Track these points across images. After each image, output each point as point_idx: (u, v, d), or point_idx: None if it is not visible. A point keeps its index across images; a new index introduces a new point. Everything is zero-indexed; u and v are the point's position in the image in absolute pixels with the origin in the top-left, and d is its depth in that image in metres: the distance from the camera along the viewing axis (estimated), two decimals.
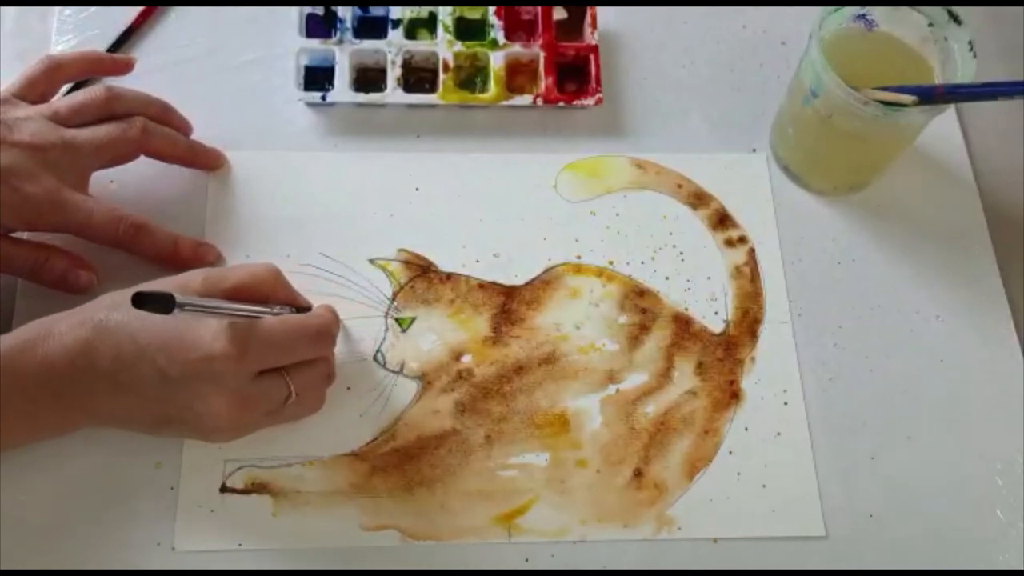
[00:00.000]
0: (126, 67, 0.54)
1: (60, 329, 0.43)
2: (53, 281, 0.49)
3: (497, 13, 0.59)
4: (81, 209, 0.48)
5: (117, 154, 0.51)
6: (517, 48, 0.59)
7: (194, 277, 0.45)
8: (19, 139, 0.47)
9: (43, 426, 0.45)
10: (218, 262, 0.53)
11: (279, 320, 0.45)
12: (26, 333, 0.43)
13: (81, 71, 0.53)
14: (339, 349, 0.51)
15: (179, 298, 0.39)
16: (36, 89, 0.50)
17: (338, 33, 0.58)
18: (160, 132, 0.52)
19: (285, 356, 0.45)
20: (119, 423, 0.45)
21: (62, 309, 0.47)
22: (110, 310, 0.43)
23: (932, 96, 0.50)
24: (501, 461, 0.50)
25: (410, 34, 0.59)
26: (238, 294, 0.45)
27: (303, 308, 0.49)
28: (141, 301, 0.39)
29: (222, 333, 0.42)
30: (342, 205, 0.55)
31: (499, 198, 0.56)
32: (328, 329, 0.47)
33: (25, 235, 0.50)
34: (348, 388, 0.51)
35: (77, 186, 0.49)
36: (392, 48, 0.58)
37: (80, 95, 0.50)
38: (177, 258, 0.51)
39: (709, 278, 0.55)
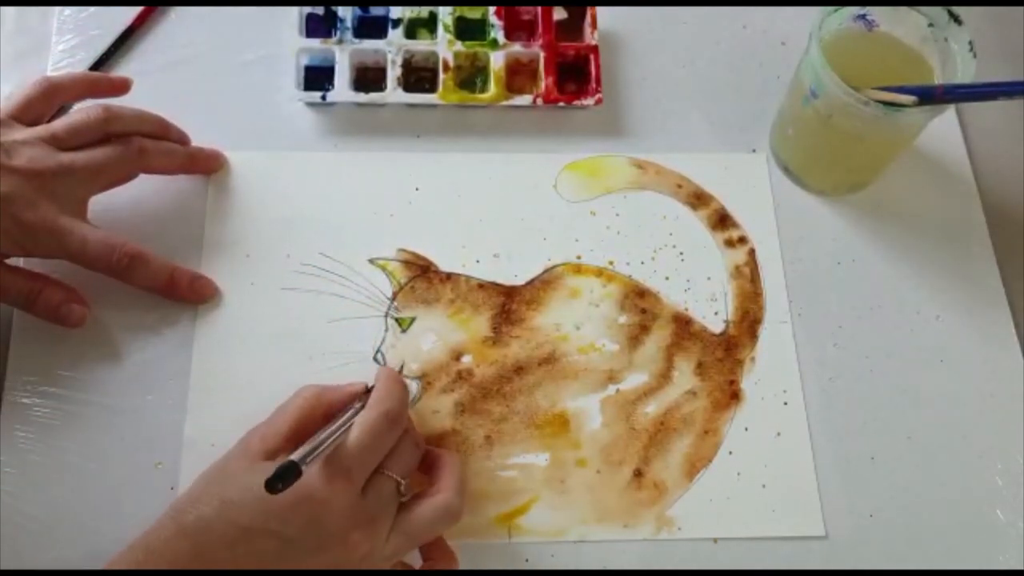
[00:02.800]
0: (123, 87, 0.53)
1: (157, 546, 0.40)
2: (46, 313, 0.49)
3: (497, 13, 0.59)
4: (77, 237, 0.48)
5: (115, 177, 0.51)
6: (517, 48, 0.59)
7: (252, 440, 0.43)
8: (17, 165, 0.47)
9: None
10: (214, 297, 0.52)
11: (357, 427, 0.43)
12: (128, 560, 0.40)
13: (78, 92, 0.52)
14: (340, 349, 0.51)
15: (300, 458, 0.39)
16: (33, 111, 0.50)
17: (338, 33, 0.58)
18: (158, 150, 0.52)
19: (377, 456, 0.43)
20: None
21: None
22: (192, 506, 0.41)
23: (932, 96, 0.50)
24: (501, 461, 0.50)
25: (410, 34, 0.59)
26: (301, 432, 0.43)
27: (364, 393, 0.46)
28: (275, 485, 0.38)
29: (318, 472, 0.41)
30: (342, 205, 0.55)
31: (499, 198, 0.56)
32: (398, 407, 0.44)
33: (21, 261, 0.50)
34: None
35: (76, 212, 0.49)
36: (392, 48, 0.58)
37: (77, 116, 0.50)
38: (173, 290, 0.51)
39: (709, 278, 0.55)
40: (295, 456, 0.39)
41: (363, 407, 0.44)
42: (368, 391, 0.46)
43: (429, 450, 0.48)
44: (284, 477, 0.38)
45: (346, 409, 0.45)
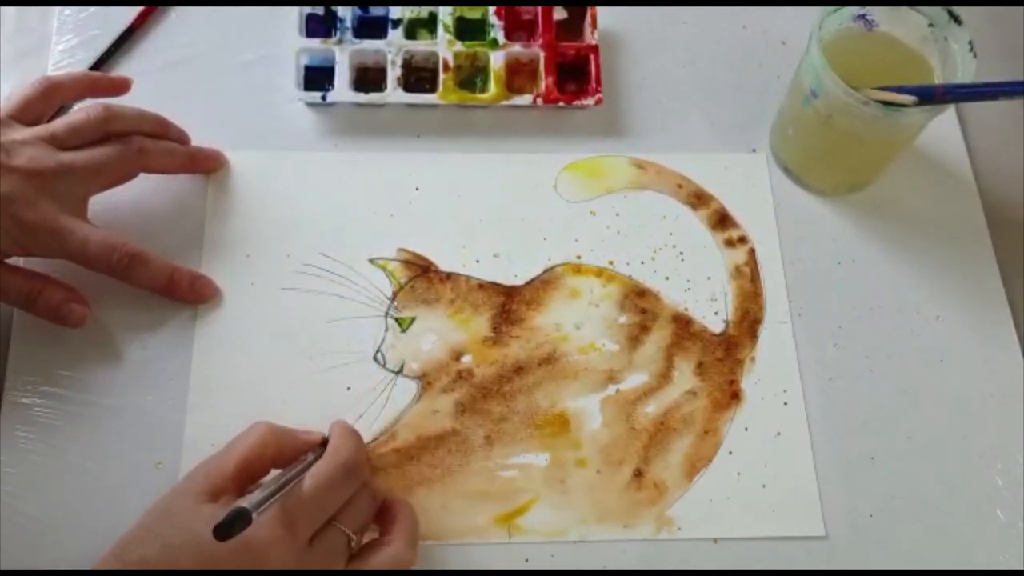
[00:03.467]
0: (123, 87, 0.53)
1: None
2: (46, 313, 0.49)
3: (497, 13, 0.59)
4: (77, 237, 0.48)
5: (115, 177, 0.51)
6: (517, 48, 0.59)
7: (196, 477, 0.42)
8: (17, 164, 0.47)
9: None
10: (214, 297, 0.52)
11: (310, 477, 0.42)
12: None
13: (78, 92, 0.52)
14: (340, 349, 0.51)
15: (251, 506, 0.37)
16: (33, 111, 0.50)
17: (338, 33, 0.58)
18: (158, 149, 0.52)
19: (329, 508, 0.42)
20: None
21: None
22: (137, 546, 0.40)
23: (932, 96, 0.50)
24: (501, 461, 0.50)
25: (410, 34, 0.59)
26: (248, 471, 0.42)
27: (320, 444, 0.45)
28: (225, 533, 0.37)
29: (262, 524, 0.39)
30: (342, 205, 0.55)
31: (499, 198, 0.56)
32: (355, 460, 0.44)
33: (21, 260, 0.50)
34: (348, 388, 0.51)
35: (76, 211, 0.49)
36: (392, 48, 0.58)
37: (77, 115, 0.50)
38: (173, 290, 0.51)
39: (709, 278, 0.55)
40: (247, 503, 0.37)
41: (318, 458, 0.43)
42: (324, 443, 0.45)
43: (383, 499, 0.47)
44: (233, 525, 0.37)
45: (301, 459, 0.43)
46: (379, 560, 0.43)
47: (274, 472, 0.44)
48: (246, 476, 0.42)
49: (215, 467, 0.43)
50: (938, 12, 0.51)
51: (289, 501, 0.41)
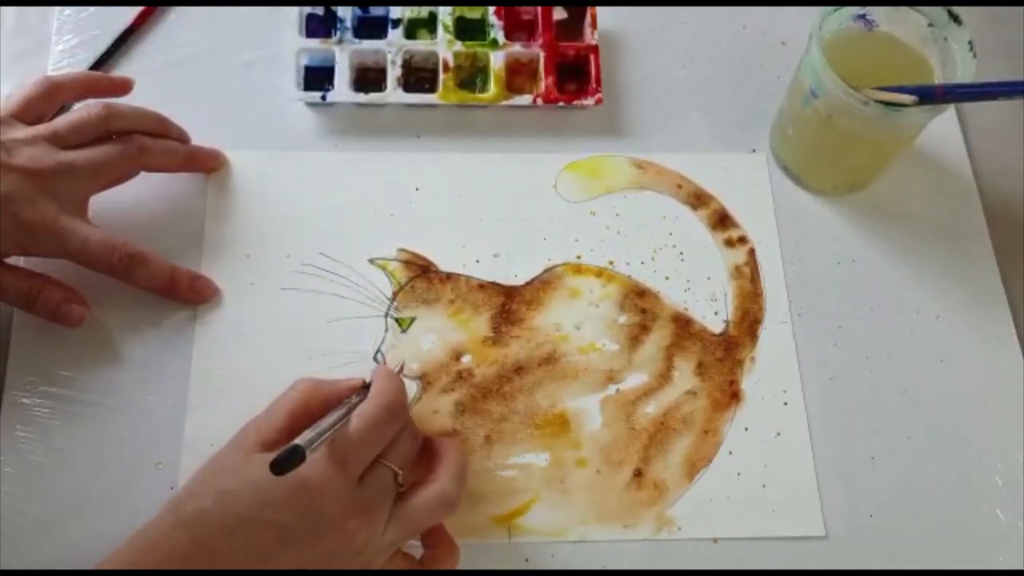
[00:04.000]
0: (124, 87, 0.53)
1: (156, 537, 0.40)
2: (46, 313, 0.49)
3: (497, 13, 0.59)
4: (77, 236, 0.48)
5: (116, 176, 0.51)
6: (517, 48, 0.59)
7: (247, 432, 0.43)
8: (18, 163, 0.47)
9: None
10: (214, 297, 0.52)
11: (356, 417, 0.43)
12: (123, 556, 0.40)
13: (79, 92, 0.52)
14: (340, 349, 0.51)
15: (305, 443, 0.39)
16: (34, 110, 0.50)
17: (338, 33, 0.58)
18: (158, 148, 0.52)
19: (376, 446, 0.43)
20: None
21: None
22: (190, 499, 0.41)
23: (932, 96, 0.50)
24: (501, 461, 0.50)
25: (410, 34, 0.59)
26: (294, 426, 0.43)
27: (362, 388, 0.46)
28: (281, 467, 0.38)
29: (314, 463, 0.40)
30: (342, 205, 0.55)
31: (499, 198, 0.56)
32: (398, 400, 0.44)
33: (21, 260, 0.50)
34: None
35: (76, 210, 0.49)
36: (392, 48, 0.58)
37: (78, 114, 0.50)
38: (173, 290, 0.51)
39: (709, 278, 0.55)
40: (300, 441, 0.39)
41: (361, 400, 0.44)
42: (366, 387, 0.46)
43: (429, 439, 0.48)
44: (289, 460, 0.38)
45: (345, 401, 0.44)
46: (427, 496, 0.44)
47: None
48: (295, 427, 0.43)
49: (264, 422, 0.43)
50: (938, 12, 0.51)
51: (338, 440, 0.42)
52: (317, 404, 0.44)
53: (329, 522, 0.41)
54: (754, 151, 0.59)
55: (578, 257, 0.55)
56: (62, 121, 0.49)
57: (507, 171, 0.57)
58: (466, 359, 0.52)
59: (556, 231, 0.56)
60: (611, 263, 0.55)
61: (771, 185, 0.58)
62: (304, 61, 0.58)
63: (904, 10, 0.53)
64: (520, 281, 0.54)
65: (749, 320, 0.54)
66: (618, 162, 0.58)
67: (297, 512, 0.40)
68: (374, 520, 0.42)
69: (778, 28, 0.62)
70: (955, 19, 0.51)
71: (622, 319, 0.54)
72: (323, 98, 0.57)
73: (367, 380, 0.46)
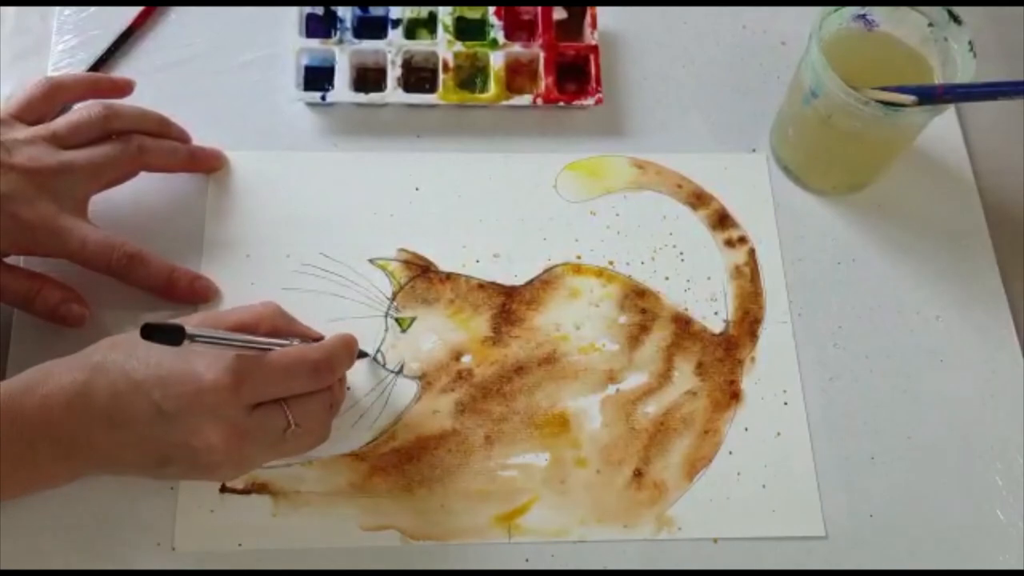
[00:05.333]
0: (126, 88, 0.53)
1: (58, 372, 0.42)
2: (45, 313, 0.49)
3: (497, 13, 0.59)
4: (76, 236, 0.48)
5: (116, 176, 0.51)
6: (517, 48, 0.59)
7: (190, 319, 0.44)
8: (17, 163, 0.46)
9: (44, 474, 0.43)
10: (215, 298, 0.52)
11: (277, 352, 0.43)
12: (25, 378, 0.42)
13: (81, 93, 0.52)
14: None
15: (190, 329, 0.39)
16: (35, 111, 0.50)
17: (338, 33, 0.58)
18: (158, 148, 0.52)
19: (281, 388, 0.43)
20: (120, 467, 0.44)
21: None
22: (108, 351, 0.42)
23: (932, 96, 0.50)
24: (501, 461, 0.50)
25: (410, 34, 0.59)
26: (237, 332, 0.44)
27: (313, 340, 0.47)
28: (150, 332, 0.38)
29: (216, 364, 0.41)
30: (342, 205, 0.55)
31: (499, 198, 0.56)
32: (329, 362, 0.44)
33: (21, 260, 0.50)
34: (348, 388, 0.51)
35: (76, 210, 0.49)
36: (392, 48, 0.58)
37: (78, 114, 0.50)
38: (172, 291, 0.51)
39: (709, 278, 0.55)
40: (189, 327, 0.39)
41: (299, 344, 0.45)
42: (314, 340, 0.47)
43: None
44: (161, 332, 0.38)
45: (279, 339, 0.45)
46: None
47: None
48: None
49: (212, 318, 0.45)
50: (938, 12, 0.51)
51: (248, 360, 0.42)
52: (267, 328, 0.45)
53: (200, 431, 0.41)
54: (754, 151, 0.59)
55: (578, 257, 0.55)
56: (62, 121, 0.49)
57: (507, 171, 0.57)
58: (466, 359, 0.52)
59: (556, 231, 0.56)
60: (611, 263, 0.55)
61: (771, 185, 0.58)
62: (304, 61, 0.58)
63: (904, 10, 0.53)
64: (520, 281, 0.54)
65: (749, 320, 0.54)
66: (618, 162, 0.58)
67: (179, 403, 0.41)
68: (241, 450, 0.43)
69: (778, 28, 0.62)
70: (955, 19, 0.51)
71: (622, 319, 0.54)
72: (323, 98, 0.57)
73: (326, 336, 0.47)
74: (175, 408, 0.41)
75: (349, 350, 0.46)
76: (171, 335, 0.38)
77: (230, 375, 0.41)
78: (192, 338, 0.39)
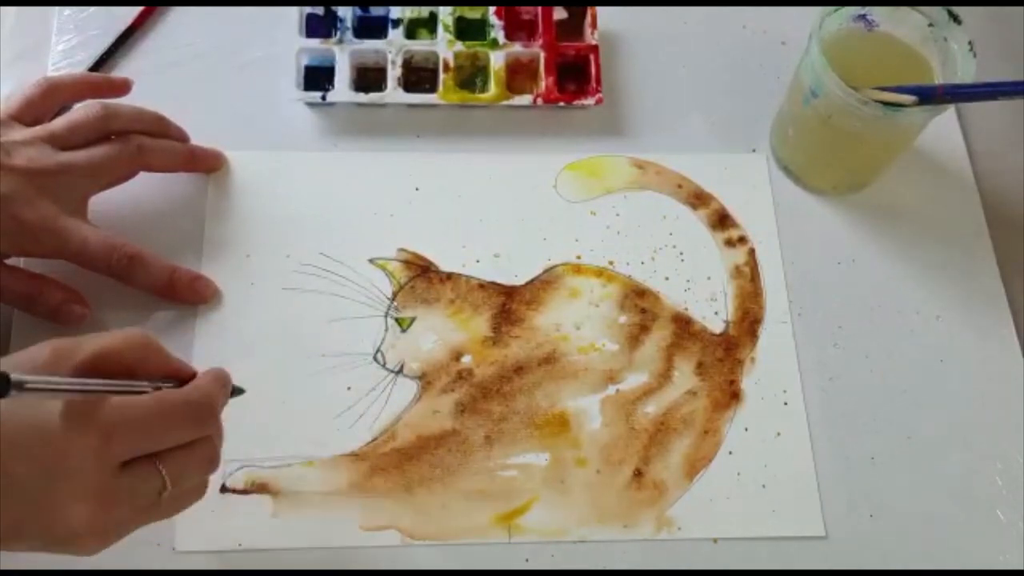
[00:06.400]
0: (123, 88, 0.53)
1: None
2: (46, 313, 0.49)
3: (497, 13, 0.59)
4: (77, 237, 0.48)
5: (115, 176, 0.51)
6: (517, 48, 0.59)
7: (42, 350, 0.37)
8: (17, 164, 0.46)
9: None
10: (215, 298, 0.52)
11: (151, 397, 0.37)
12: None
13: (79, 93, 0.52)
14: (340, 349, 0.51)
15: (16, 376, 0.32)
16: (33, 111, 0.50)
17: (338, 33, 0.58)
18: (157, 148, 0.52)
19: (157, 440, 0.37)
20: None
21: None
22: None
23: (932, 96, 0.50)
24: (501, 461, 0.50)
25: (410, 34, 0.59)
26: (98, 366, 0.37)
27: (185, 379, 0.40)
28: None
29: (76, 417, 0.35)
30: (342, 205, 0.55)
31: (499, 198, 0.56)
32: (209, 405, 0.39)
33: (21, 261, 0.50)
34: (348, 388, 0.51)
35: (76, 211, 0.49)
36: (392, 48, 0.58)
37: (76, 114, 0.50)
38: (172, 291, 0.51)
39: (709, 278, 0.55)
40: (17, 374, 0.32)
41: (162, 388, 0.39)
42: (185, 380, 0.40)
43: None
44: None
45: (144, 378, 0.38)
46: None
47: None
48: (92, 370, 0.37)
49: (67, 347, 0.37)
50: (938, 12, 0.51)
51: (116, 409, 0.36)
52: (132, 360, 0.38)
53: (54, 499, 0.35)
54: (754, 151, 0.59)
55: (578, 257, 0.55)
56: (61, 122, 0.49)
57: (507, 171, 0.57)
58: (466, 359, 0.52)
59: (556, 231, 0.56)
60: (611, 263, 0.55)
61: (771, 185, 0.58)
62: (304, 61, 0.58)
63: (904, 10, 0.53)
64: (520, 281, 0.54)
65: (749, 320, 0.54)
66: (618, 162, 0.58)
67: (30, 468, 0.34)
68: (106, 521, 0.36)
69: (778, 28, 0.62)
70: (955, 19, 0.51)
71: (622, 319, 0.54)
72: (323, 98, 0.57)
73: (199, 373, 0.41)
74: (25, 474, 0.34)
75: (223, 385, 0.41)
76: None
77: (96, 432, 0.35)
78: (21, 387, 0.32)
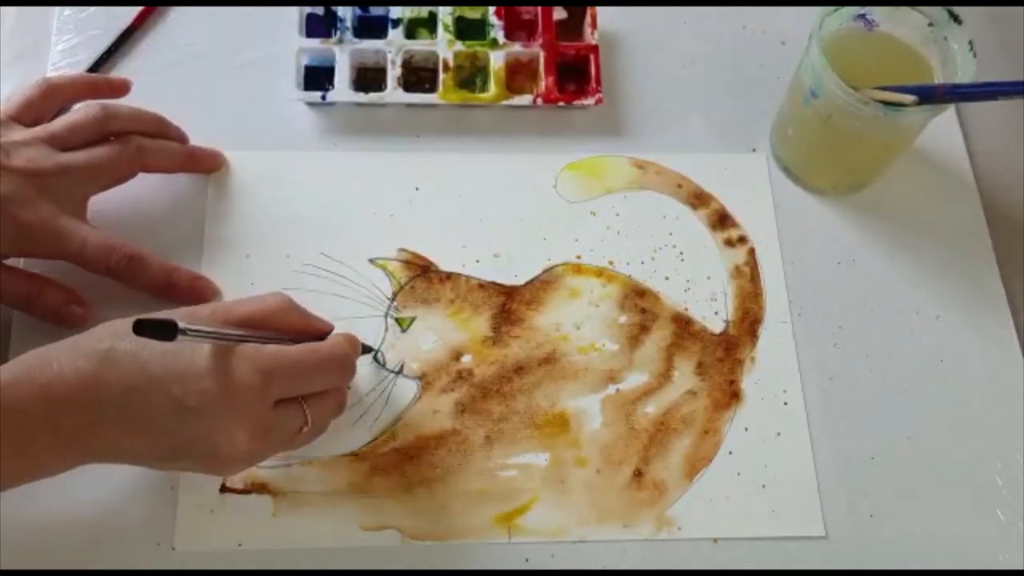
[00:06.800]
0: (123, 89, 0.53)
1: (61, 360, 0.40)
2: (46, 314, 0.49)
3: (497, 13, 0.59)
4: (76, 238, 0.48)
5: (114, 177, 0.51)
6: (517, 48, 0.59)
7: (202, 310, 0.43)
8: (16, 165, 0.46)
9: (41, 464, 0.41)
10: (215, 297, 0.52)
11: (303, 348, 0.43)
12: (22, 365, 0.40)
13: (78, 94, 0.52)
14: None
15: (182, 324, 0.38)
16: (33, 112, 0.50)
17: (338, 33, 0.58)
18: (156, 148, 0.52)
19: (306, 385, 0.43)
20: (124, 458, 0.42)
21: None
22: (115, 339, 0.41)
23: (932, 96, 0.50)
24: (501, 461, 0.50)
25: (410, 34, 0.59)
26: (247, 325, 0.43)
27: (320, 335, 0.47)
28: (142, 327, 0.38)
29: (243, 362, 0.41)
30: (342, 205, 0.55)
31: (499, 198, 0.56)
32: (349, 359, 0.45)
33: (21, 262, 0.50)
34: (348, 388, 0.51)
35: (75, 212, 0.49)
36: (392, 48, 0.58)
37: (76, 115, 0.50)
38: (172, 291, 0.51)
39: (709, 278, 0.55)
40: (184, 322, 0.38)
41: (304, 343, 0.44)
42: (322, 337, 0.46)
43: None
44: (153, 328, 0.37)
45: (286, 335, 0.44)
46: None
47: None
48: (245, 326, 0.43)
49: (222, 310, 0.43)
50: (938, 12, 0.51)
51: (275, 358, 0.42)
52: (278, 322, 0.44)
53: (224, 424, 0.40)
54: (754, 151, 0.59)
55: (578, 257, 0.55)
56: (60, 123, 0.49)
57: (507, 171, 0.57)
58: (466, 359, 0.52)
59: (556, 231, 0.56)
60: (611, 263, 0.55)
61: (771, 185, 0.58)
62: (304, 61, 0.58)
63: (904, 10, 0.53)
64: (520, 281, 0.54)
65: (749, 320, 0.54)
66: (618, 162, 0.58)
67: (203, 399, 0.40)
68: (261, 446, 0.42)
69: (778, 28, 0.62)
70: (955, 19, 0.51)
71: (622, 319, 0.54)
72: (323, 98, 0.57)
73: (335, 331, 0.47)
74: (198, 404, 0.40)
75: (355, 345, 0.47)
76: (164, 330, 0.37)
77: (259, 375, 0.41)
78: (185, 333, 0.38)
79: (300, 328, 0.46)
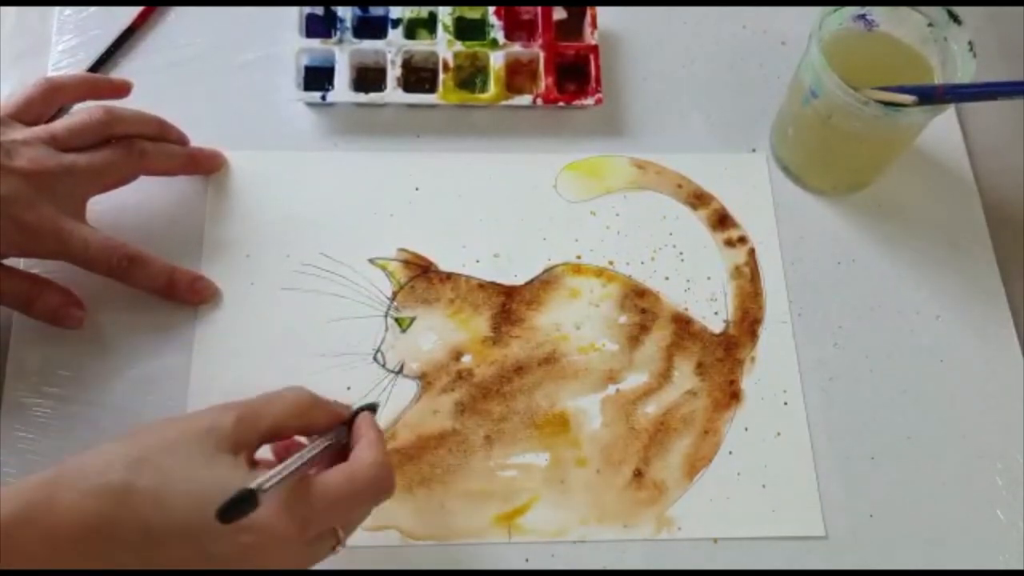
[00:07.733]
0: (124, 89, 0.53)
1: (66, 496, 0.35)
2: (45, 315, 0.49)
3: (497, 13, 0.59)
4: (77, 238, 0.48)
5: (116, 179, 0.51)
6: (517, 48, 0.59)
7: (225, 419, 0.39)
8: (18, 165, 0.46)
9: None
10: (214, 298, 0.52)
11: (342, 481, 0.39)
12: (23, 499, 0.35)
13: (79, 94, 0.52)
14: (340, 349, 0.51)
15: (258, 485, 0.35)
16: (33, 111, 0.50)
17: (338, 33, 0.58)
18: (158, 151, 0.52)
19: (343, 520, 0.40)
20: None
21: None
22: (129, 470, 0.36)
23: (932, 96, 0.50)
24: (501, 461, 0.50)
25: (410, 34, 0.59)
26: (278, 433, 0.41)
27: (343, 420, 0.43)
28: (229, 515, 0.34)
29: (277, 512, 0.37)
30: (342, 205, 0.55)
31: (499, 198, 0.56)
32: (390, 478, 0.41)
33: (20, 262, 0.50)
34: (348, 388, 0.51)
35: (75, 213, 0.49)
36: (392, 48, 0.58)
37: (78, 117, 0.50)
38: (173, 292, 0.51)
39: (709, 278, 0.55)
40: (256, 483, 0.35)
41: (336, 442, 0.42)
42: (348, 421, 0.43)
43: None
44: (238, 508, 0.34)
45: (317, 440, 0.41)
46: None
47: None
48: (274, 437, 0.41)
49: (248, 417, 0.39)
50: (938, 12, 0.51)
51: (309, 501, 0.38)
52: (302, 424, 0.42)
53: (251, 565, 0.37)
54: (754, 151, 0.59)
55: (578, 257, 0.55)
56: (61, 124, 0.49)
57: (507, 171, 0.57)
58: (466, 359, 0.52)
59: (556, 231, 0.56)
60: (611, 263, 0.55)
61: (771, 185, 0.58)
62: (304, 61, 0.58)
63: (904, 10, 0.53)
64: (520, 281, 0.54)
65: (749, 320, 0.54)
66: (618, 162, 0.58)
67: (231, 550, 0.36)
68: (295, 570, 0.40)
69: (778, 28, 0.62)
70: (955, 19, 0.51)
71: (622, 319, 0.54)
72: (323, 98, 0.57)
73: (353, 409, 0.44)
74: (226, 553, 0.36)
75: (384, 443, 0.42)
76: (249, 504, 0.34)
77: (295, 524, 0.37)
78: (263, 490, 0.35)
79: (325, 424, 0.42)
